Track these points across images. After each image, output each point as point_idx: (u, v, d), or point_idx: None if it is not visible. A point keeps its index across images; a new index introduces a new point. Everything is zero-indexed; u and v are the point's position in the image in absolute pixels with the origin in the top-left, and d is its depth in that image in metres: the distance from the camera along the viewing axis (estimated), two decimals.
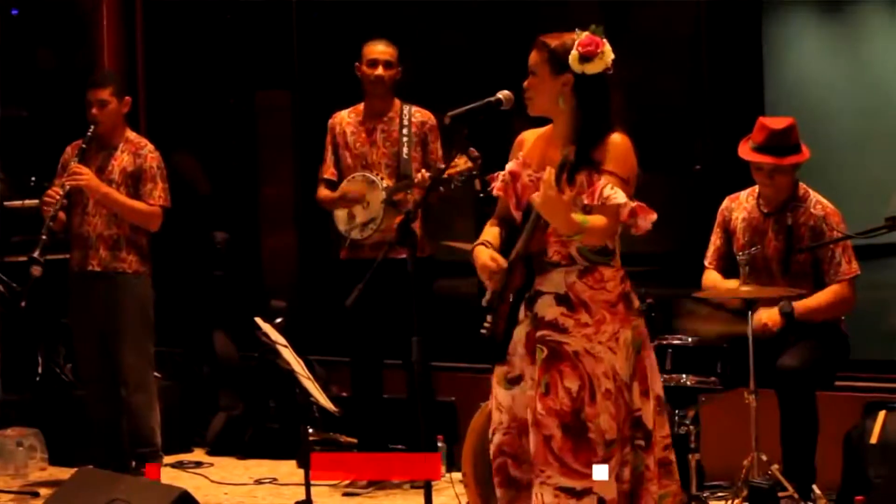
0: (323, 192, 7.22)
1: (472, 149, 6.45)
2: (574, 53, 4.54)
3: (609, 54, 4.57)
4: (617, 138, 4.55)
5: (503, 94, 4.73)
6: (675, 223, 7.75)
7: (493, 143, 5.02)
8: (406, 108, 7.14)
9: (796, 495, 5.66)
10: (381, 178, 7.00)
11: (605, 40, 4.57)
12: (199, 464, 7.96)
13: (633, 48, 8.07)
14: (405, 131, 7.07)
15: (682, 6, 7.71)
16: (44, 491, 7.20)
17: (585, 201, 4.50)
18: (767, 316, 5.90)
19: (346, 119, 7.24)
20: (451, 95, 7.61)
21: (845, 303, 5.96)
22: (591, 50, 4.54)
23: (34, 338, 8.51)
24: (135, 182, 7.12)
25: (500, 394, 4.67)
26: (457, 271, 8.31)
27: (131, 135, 7.29)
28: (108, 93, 7.15)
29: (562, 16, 7.86)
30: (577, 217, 4.43)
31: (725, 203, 6.28)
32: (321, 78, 8.90)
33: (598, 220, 4.46)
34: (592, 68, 4.56)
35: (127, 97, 7.27)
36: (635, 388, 4.56)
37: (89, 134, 7.12)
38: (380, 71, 7.10)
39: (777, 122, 6.07)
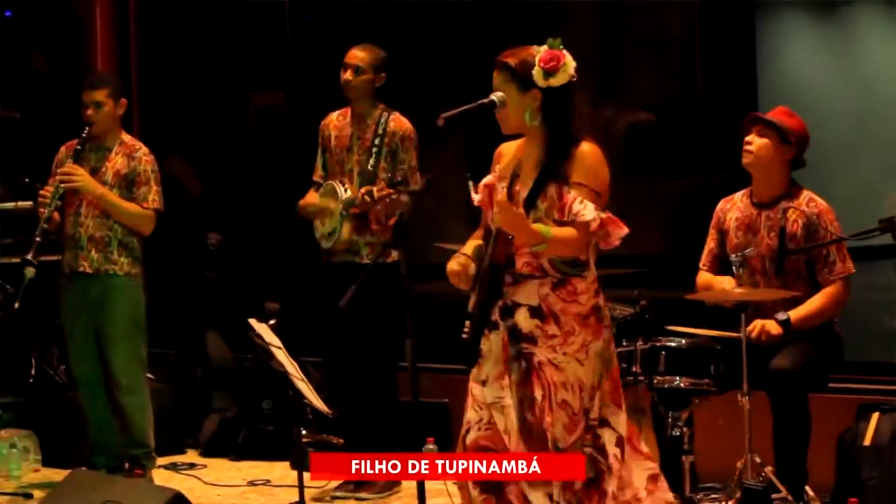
0: (305, 198, 7.16)
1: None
2: (537, 70, 4.60)
3: (571, 64, 4.64)
4: (586, 148, 4.61)
5: (497, 96, 4.75)
6: (670, 225, 7.76)
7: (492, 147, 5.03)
8: (384, 116, 6.99)
9: (790, 497, 5.65)
10: (346, 189, 6.91)
11: (564, 52, 4.63)
12: (192, 465, 7.95)
13: (627, 49, 8.10)
14: (377, 140, 6.95)
15: (676, 7, 7.71)
16: (37, 493, 7.19)
17: (556, 216, 4.56)
18: (766, 322, 5.87)
19: (333, 121, 7.16)
20: (446, 97, 7.62)
21: (840, 303, 5.96)
22: (553, 65, 4.61)
23: (27, 339, 8.50)
24: (128, 185, 7.11)
25: (477, 392, 4.75)
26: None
27: (126, 137, 7.28)
28: (104, 94, 7.14)
29: (559, 16, 7.86)
30: (539, 228, 4.51)
31: (720, 205, 6.27)
32: (315, 80, 8.90)
33: (564, 231, 4.54)
34: (557, 81, 4.63)
35: (123, 99, 7.26)
36: (597, 398, 4.61)
37: (84, 135, 7.11)
38: (347, 75, 6.99)
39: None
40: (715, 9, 7.50)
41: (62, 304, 7.23)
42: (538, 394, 4.57)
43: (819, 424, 5.86)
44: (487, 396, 4.71)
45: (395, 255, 6.55)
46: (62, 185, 6.98)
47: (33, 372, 8.51)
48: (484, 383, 4.72)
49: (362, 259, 6.91)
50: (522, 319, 4.64)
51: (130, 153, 7.17)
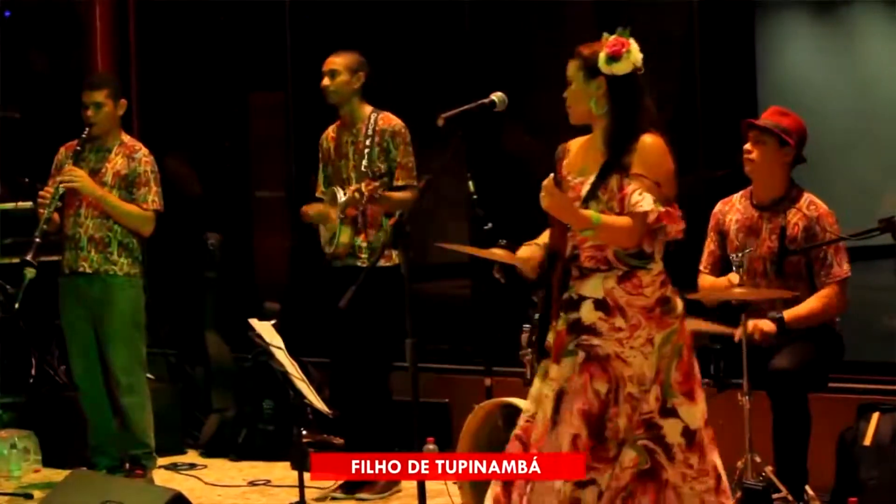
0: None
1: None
2: (602, 55, 4.62)
3: (636, 54, 4.65)
4: (648, 139, 4.62)
5: (496, 96, 4.77)
6: None
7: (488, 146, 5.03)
8: (373, 116, 6.97)
9: (790, 497, 5.65)
10: (345, 193, 6.88)
11: (631, 40, 4.65)
12: (192, 465, 7.95)
13: None
14: (368, 141, 6.91)
15: (675, 7, 7.71)
16: (37, 493, 7.19)
17: (616, 208, 4.58)
18: (762, 321, 5.87)
19: (330, 133, 7.14)
20: (445, 97, 7.62)
21: (836, 306, 5.94)
22: (617, 49, 4.63)
23: (27, 339, 8.50)
24: (128, 185, 7.11)
25: (535, 384, 4.77)
26: (448, 273, 8.33)
27: (126, 138, 7.28)
28: (104, 95, 7.14)
29: (556, 16, 7.86)
30: (589, 213, 4.53)
31: (718, 207, 6.27)
32: (314, 79, 8.90)
33: (616, 219, 4.56)
34: (621, 68, 4.64)
35: (122, 100, 7.26)
36: (653, 391, 4.60)
37: (84, 136, 7.12)
38: (325, 82, 6.98)
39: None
40: (715, 9, 7.50)
41: (62, 304, 7.23)
42: (603, 387, 4.57)
43: (819, 424, 5.86)
44: (542, 388, 4.72)
45: (395, 257, 6.54)
46: (62, 186, 6.99)
47: (33, 372, 8.51)
48: (546, 374, 4.73)
49: (364, 263, 6.88)
50: (586, 311, 4.64)
51: (130, 154, 7.17)
